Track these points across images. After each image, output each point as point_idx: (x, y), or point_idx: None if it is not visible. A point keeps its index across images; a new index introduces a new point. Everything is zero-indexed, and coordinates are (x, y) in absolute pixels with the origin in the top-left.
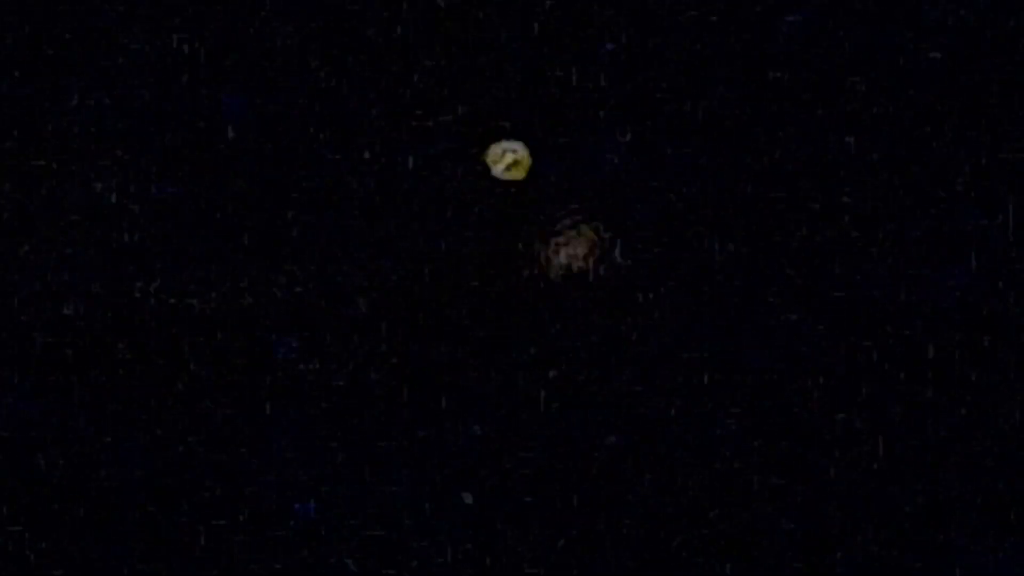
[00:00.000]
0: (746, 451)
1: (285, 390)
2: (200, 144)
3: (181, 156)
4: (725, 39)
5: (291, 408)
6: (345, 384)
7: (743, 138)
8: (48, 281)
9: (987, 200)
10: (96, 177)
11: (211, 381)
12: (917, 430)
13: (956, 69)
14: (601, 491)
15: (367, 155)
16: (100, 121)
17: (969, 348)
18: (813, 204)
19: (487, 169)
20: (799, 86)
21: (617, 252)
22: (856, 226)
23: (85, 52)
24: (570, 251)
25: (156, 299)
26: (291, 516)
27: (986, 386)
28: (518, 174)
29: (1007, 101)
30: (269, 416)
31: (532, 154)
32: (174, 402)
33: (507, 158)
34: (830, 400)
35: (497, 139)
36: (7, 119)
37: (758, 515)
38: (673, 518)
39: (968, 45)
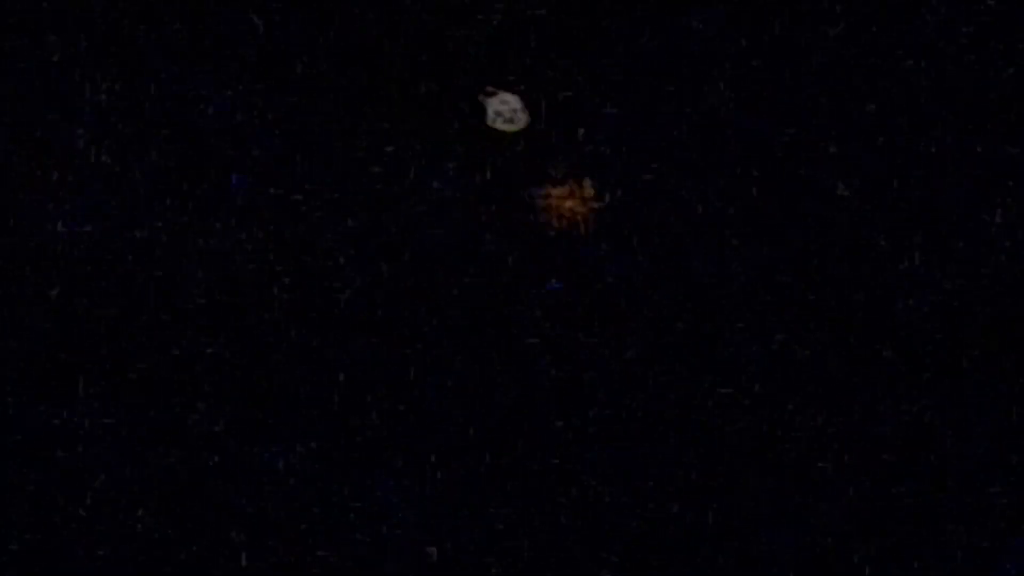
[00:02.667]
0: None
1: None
2: None
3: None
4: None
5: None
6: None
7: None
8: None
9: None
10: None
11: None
12: (917, 430)
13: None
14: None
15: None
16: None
17: (969, 348)
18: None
19: (484, 120)
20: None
21: (608, 205)
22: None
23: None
24: (563, 203)
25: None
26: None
27: (986, 386)
28: (514, 126)
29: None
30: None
31: (528, 107)
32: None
33: (503, 110)
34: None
35: (494, 92)
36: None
37: (760, 514)
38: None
39: (970, 47)
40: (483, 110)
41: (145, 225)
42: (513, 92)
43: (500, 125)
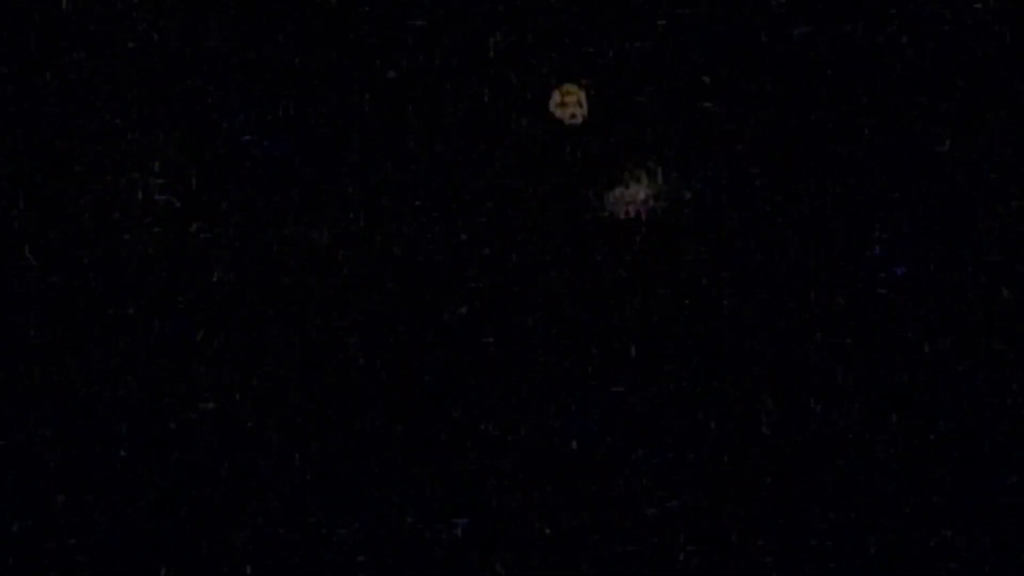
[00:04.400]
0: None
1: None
2: None
3: None
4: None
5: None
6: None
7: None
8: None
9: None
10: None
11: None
12: (918, 430)
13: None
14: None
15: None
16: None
17: (969, 348)
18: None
19: (549, 112)
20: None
21: (675, 197)
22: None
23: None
24: (628, 195)
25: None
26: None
27: (986, 386)
28: (578, 117)
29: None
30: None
31: (592, 98)
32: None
33: (568, 101)
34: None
35: (559, 83)
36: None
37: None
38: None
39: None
40: (546, 103)
41: (145, 221)
42: (577, 85)
43: (563, 117)
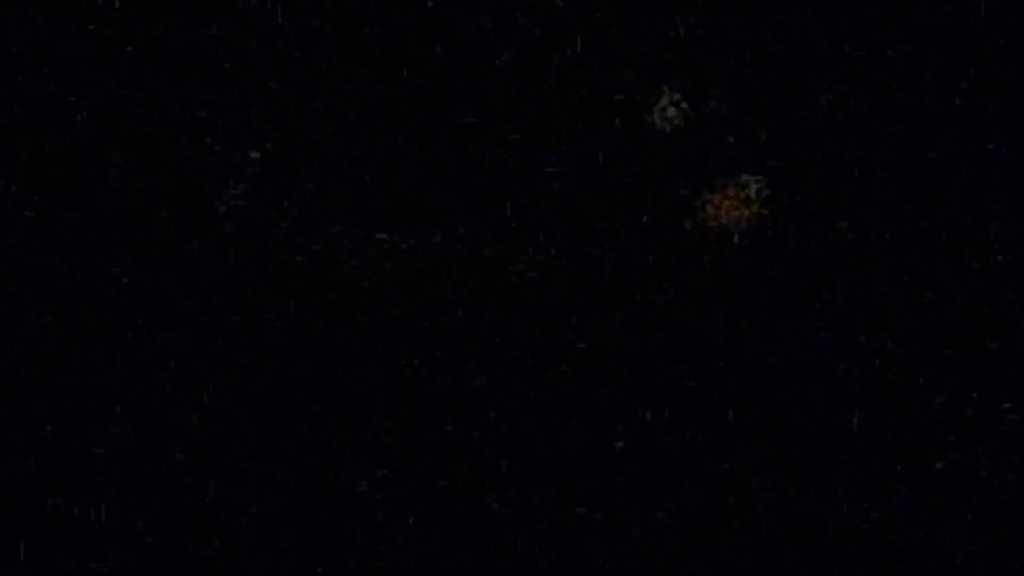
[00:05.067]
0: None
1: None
2: None
3: None
4: None
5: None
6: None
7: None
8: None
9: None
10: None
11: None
12: (918, 430)
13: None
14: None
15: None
16: None
17: (969, 348)
18: None
19: (647, 117)
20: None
21: (774, 207)
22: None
23: None
24: (727, 204)
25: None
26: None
27: (985, 386)
28: (676, 124)
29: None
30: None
31: (693, 106)
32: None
33: (669, 109)
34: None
35: (659, 90)
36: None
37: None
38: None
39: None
40: (644, 107)
41: (147, 222)
42: (676, 89)
43: (662, 123)
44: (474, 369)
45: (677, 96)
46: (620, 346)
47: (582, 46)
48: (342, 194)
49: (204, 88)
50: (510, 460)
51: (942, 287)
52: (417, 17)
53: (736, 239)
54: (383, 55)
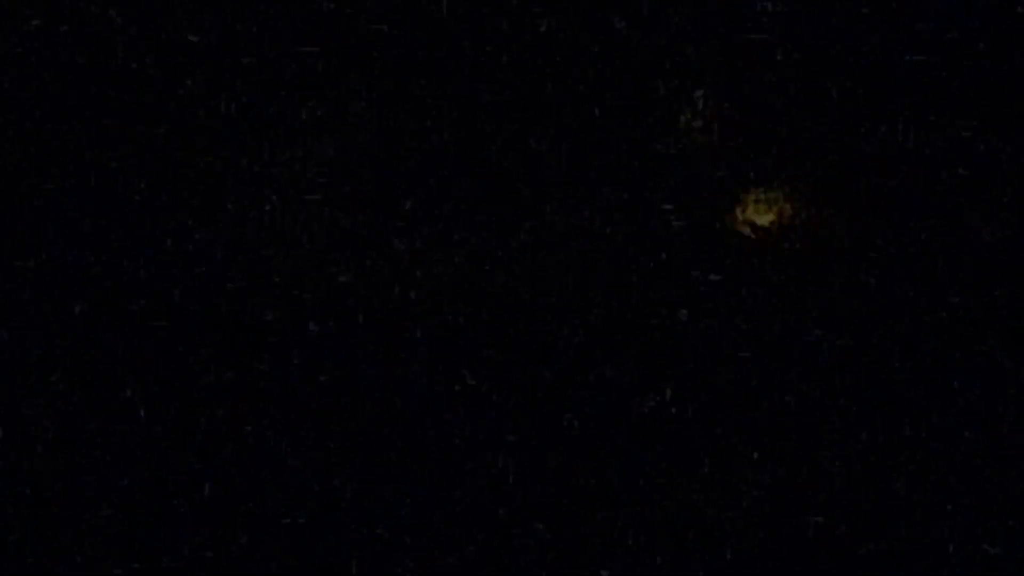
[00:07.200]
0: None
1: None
2: None
3: None
4: None
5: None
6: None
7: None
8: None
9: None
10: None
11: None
12: (918, 430)
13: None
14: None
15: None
16: None
17: (969, 348)
18: None
19: (680, 126)
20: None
21: (807, 219)
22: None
23: None
24: (759, 208)
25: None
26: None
27: (985, 386)
28: (710, 135)
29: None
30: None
31: (727, 110)
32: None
33: (697, 117)
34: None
35: (693, 95)
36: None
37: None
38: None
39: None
40: (677, 117)
41: (148, 222)
42: (708, 99)
43: (694, 134)
44: (474, 369)
45: (701, 101)
46: (620, 346)
47: (608, 49)
48: (342, 194)
49: (204, 88)
50: (510, 460)
51: (942, 287)
52: (430, 18)
53: (759, 242)
54: (398, 54)
